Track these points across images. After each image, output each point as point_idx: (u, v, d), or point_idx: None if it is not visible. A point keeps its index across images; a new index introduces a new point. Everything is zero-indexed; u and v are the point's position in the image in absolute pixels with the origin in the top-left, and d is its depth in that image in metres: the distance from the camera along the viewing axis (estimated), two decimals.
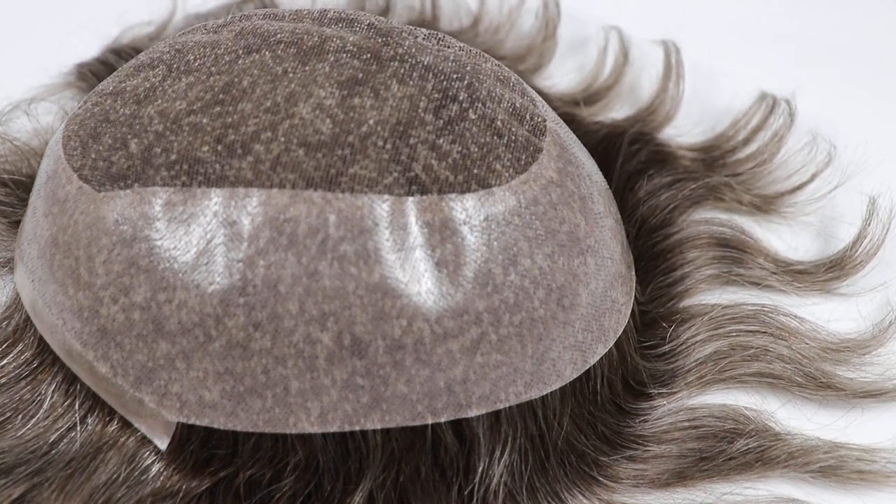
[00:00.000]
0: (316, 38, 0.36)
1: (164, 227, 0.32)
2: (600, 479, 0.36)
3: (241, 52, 0.36)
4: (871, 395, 0.39)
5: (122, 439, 0.34)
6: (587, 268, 0.35)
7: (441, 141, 0.33)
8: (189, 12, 0.55)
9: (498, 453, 0.34)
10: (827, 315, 0.43)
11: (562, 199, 0.34)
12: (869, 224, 0.44)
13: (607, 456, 0.36)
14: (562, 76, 0.53)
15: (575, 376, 0.35)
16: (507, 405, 0.33)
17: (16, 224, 0.41)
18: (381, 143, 0.33)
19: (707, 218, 0.45)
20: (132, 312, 0.32)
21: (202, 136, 0.33)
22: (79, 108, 0.37)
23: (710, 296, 0.43)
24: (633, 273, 0.40)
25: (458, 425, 0.34)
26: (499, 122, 0.34)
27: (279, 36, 0.36)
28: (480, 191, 0.32)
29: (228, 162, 0.32)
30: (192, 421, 0.32)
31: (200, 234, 0.32)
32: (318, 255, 0.31)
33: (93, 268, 0.33)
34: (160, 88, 0.35)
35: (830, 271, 0.44)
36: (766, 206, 0.47)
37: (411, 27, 0.38)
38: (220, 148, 0.33)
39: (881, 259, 0.44)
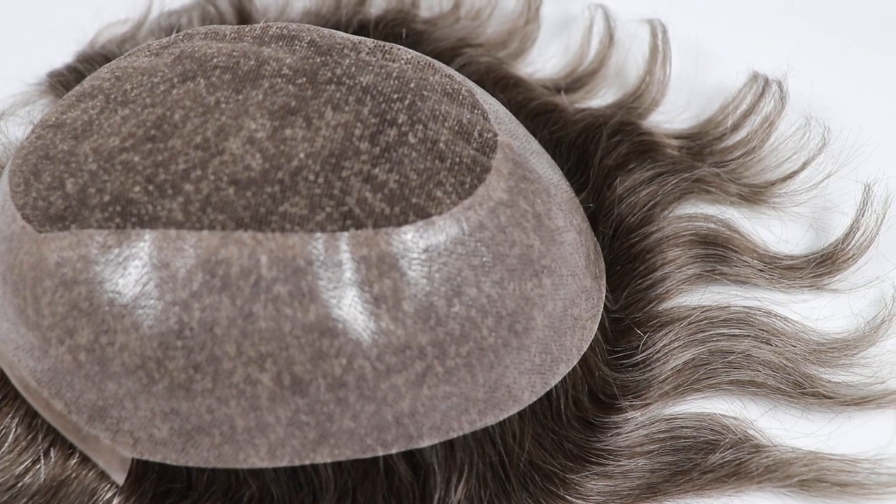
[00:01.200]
0: (253, 62, 0.35)
1: (101, 271, 0.32)
2: (568, 497, 0.36)
3: (176, 80, 0.35)
4: (857, 403, 0.38)
5: (83, 473, 0.35)
6: (542, 290, 0.34)
7: (377, 171, 0.32)
8: (164, 9, 0.54)
9: (454, 481, 0.33)
10: (816, 313, 0.41)
11: (512, 220, 0.33)
12: (863, 214, 0.42)
13: (576, 473, 0.36)
14: (545, 61, 0.51)
15: (534, 400, 0.34)
16: (461, 434, 0.33)
17: None
18: (312, 178, 0.32)
19: (690, 214, 0.44)
20: (78, 354, 0.32)
21: (134, 175, 0.33)
22: (26, 139, 0.37)
23: (691, 297, 0.42)
24: (603, 283, 0.38)
25: (412, 455, 0.33)
26: (442, 144, 0.33)
27: (216, 61, 0.35)
28: (419, 221, 0.31)
29: (160, 202, 0.32)
30: (145, 457, 0.33)
31: (136, 278, 0.31)
32: (252, 297, 0.31)
33: (39, 309, 0.33)
34: (97, 122, 0.35)
35: (821, 266, 0.42)
36: (754, 196, 0.45)
37: (357, 40, 0.37)
38: (151, 188, 0.32)
39: (875, 252, 0.42)
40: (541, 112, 0.47)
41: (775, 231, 0.44)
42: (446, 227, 0.32)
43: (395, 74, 0.35)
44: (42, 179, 0.34)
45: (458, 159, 0.33)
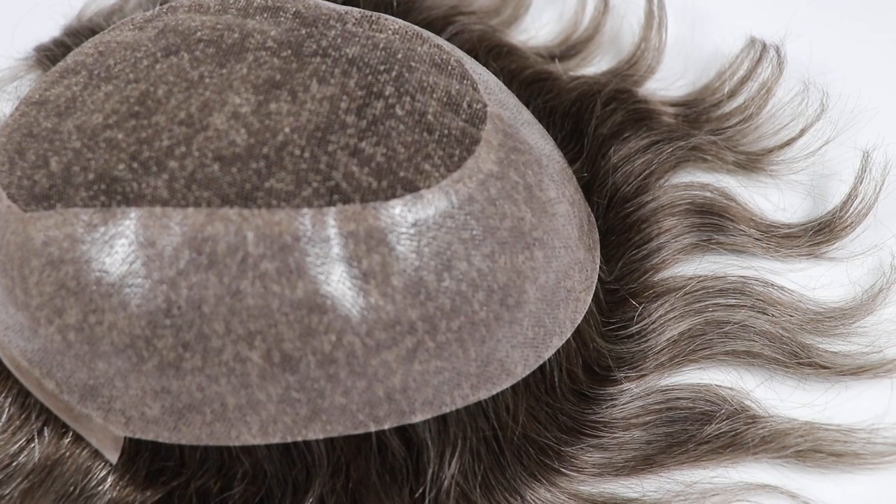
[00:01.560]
0: (237, 35, 0.34)
1: (87, 250, 0.32)
2: (563, 469, 0.36)
3: (159, 54, 0.34)
4: (853, 372, 0.38)
5: (77, 452, 0.35)
6: (534, 262, 0.34)
7: (364, 144, 0.32)
8: None
9: (448, 455, 0.33)
10: (814, 282, 0.41)
11: (503, 192, 0.33)
12: (861, 182, 0.42)
13: (571, 446, 0.36)
14: (538, 28, 0.50)
15: (527, 373, 0.34)
16: (454, 408, 0.33)
17: None
18: (297, 153, 0.31)
19: (686, 182, 0.43)
20: (67, 333, 0.32)
21: (118, 153, 0.32)
22: (10, 116, 0.36)
23: (687, 266, 0.41)
24: (597, 254, 0.38)
25: (405, 431, 0.33)
26: (430, 116, 0.33)
27: (199, 34, 0.35)
28: (407, 195, 0.31)
29: (145, 180, 0.32)
30: (137, 435, 0.33)
31: (123, 256, 0.31)
32: (240, 274, 0.30)
33: (27, 289, 0.33)
34: (80, 98, 0.34)
35: (819, 234, 0.42)
36: (751, 164, 0.44)
37: (344, 10, 0.36)
38: (135, 165, 0.32)
39: (874, 219, 0.42)
40: (535, 80, 0.47)
41: (773, 199, 0.43)
42: (435, 200, 0.31)
43: (381, 45, 0.34)
44: (26, 158, 0.34)
45: (446, 131, 0.33)
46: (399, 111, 0.32)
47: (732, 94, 0.46)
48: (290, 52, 0.34)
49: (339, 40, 0.34)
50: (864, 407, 0.37)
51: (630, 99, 0.45)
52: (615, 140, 0.44)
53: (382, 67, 0.33)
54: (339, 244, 0.31)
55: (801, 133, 0.44)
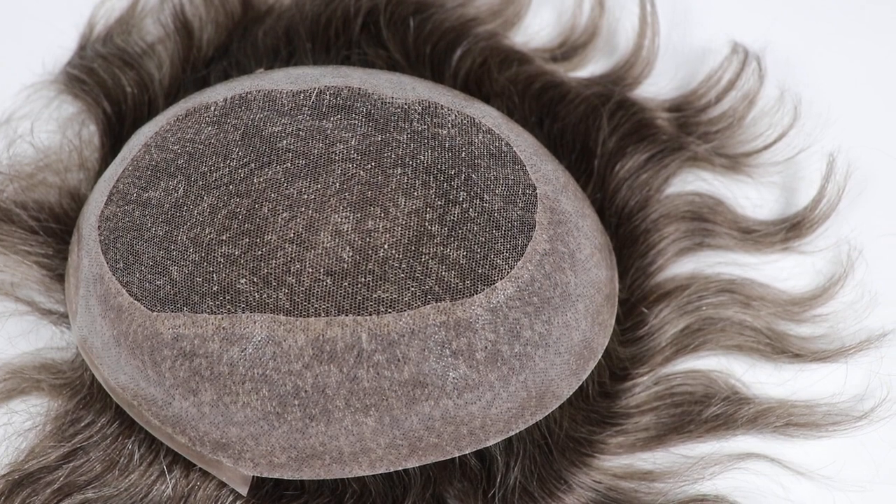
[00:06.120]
0: (321, 145, 0.40)
1: (218, 347, 0.39)
2: (594, 454, 0.47)
3: (253, 165, 0.40)
4: (818, 358, 0.49)
5: (205, 483, 0.44)
6: (578, 314, 0.43)
7: (448, 250, 0.39)
8: None
9: (512, 462, 0.44)
10: (786, 273, 0.51)
11: (554, 265, 0.41)
12: (827, 184, 0.51)
13: (599, 434, 0.47)
14: (538, 30, 0.56)
15: (571, 394, 0.44)
16: (518, 431, 0.43)
17: (60, 277, 0.48)
18: (396, 265, 0.39)
19: (682, 192, 0.52)
20: (203, 407, 0.40)
21: (237, 268, 0.39)
22: (104, 204, 0.42)
23: (684, 267, 0.51)
24: (616, 277, 0.47)
25: (479, 451, 0.43)
26: (496, 214, 0.40)
27: (285, 143, 0.41)
28: (486, 289, 0.39)
29: (266, 291, 0.39)
30: (265, 475, 0.42)
31: (252, 352, 0.39)
32: (356, 365, 0.39)
33: (160, 372, 0.40)
34: (185, 207, 0.40)
35: (791, 231, 0.51)
36: (734, 166, 0.53)
37: (406, 106, 0.42)
38: (255, 280, 0.39)
39: (837, 216, 0.52)
40: (544, 91, 0.53)
41: (751, 197, 0.53)
42: (506, 288, 0.40)
43: (447, 145, 0.41)
44: (143, 262, 0.40)
45: (510, 224, 0.40)
46: (472, 213, 0.40)
47: (719, 99, 0.54)
48: (373, 164, 0.40)
49: (412, 145, 0.41)
50: (826, 385, 0.49)
51: (631, 110, 0.53)
52: (620, 155, 0.52)
53: (453, 172, 0.41)
54: (434, 333, 0.39)
55: (778, 139, 0.53)
